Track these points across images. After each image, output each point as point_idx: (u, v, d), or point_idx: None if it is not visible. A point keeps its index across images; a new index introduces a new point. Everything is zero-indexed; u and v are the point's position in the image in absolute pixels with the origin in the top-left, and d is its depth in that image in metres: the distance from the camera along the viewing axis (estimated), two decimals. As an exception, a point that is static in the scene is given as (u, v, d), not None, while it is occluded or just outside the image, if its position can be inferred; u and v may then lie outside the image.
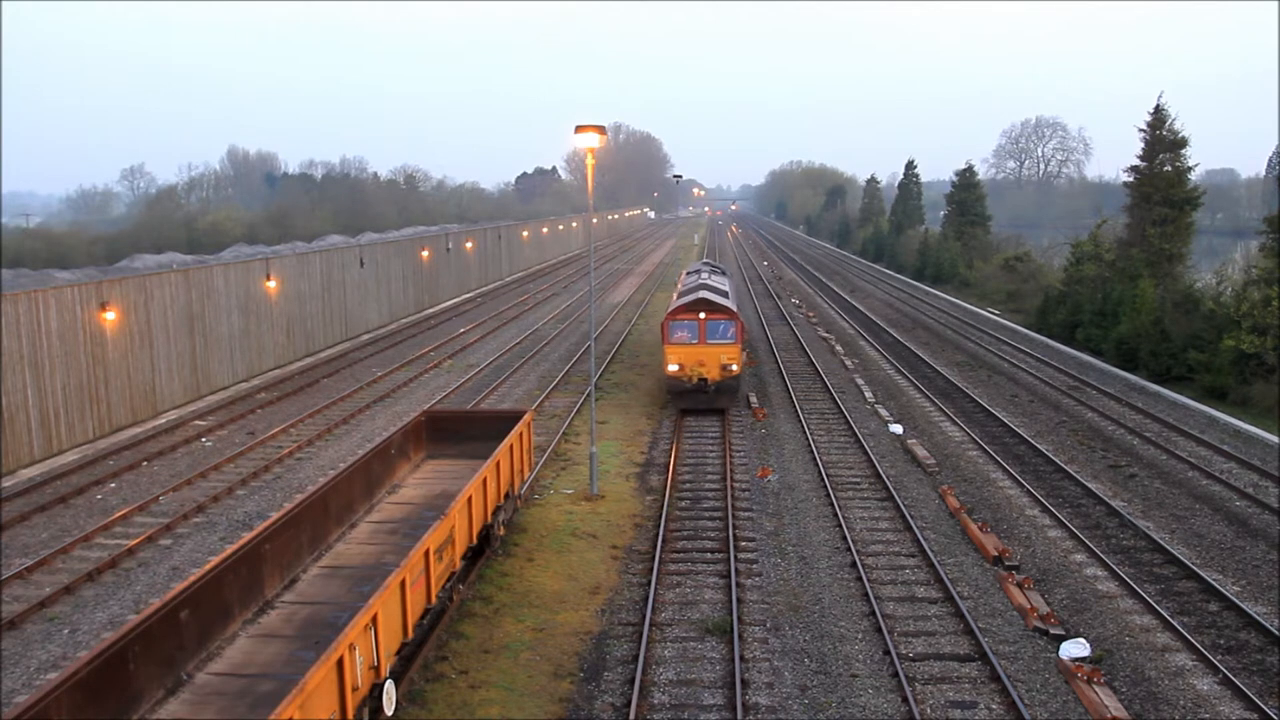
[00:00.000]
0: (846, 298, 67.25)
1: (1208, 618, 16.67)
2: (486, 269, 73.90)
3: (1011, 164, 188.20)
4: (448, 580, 15.64)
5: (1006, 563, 18.91)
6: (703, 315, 30.13)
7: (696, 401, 30.22)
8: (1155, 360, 37.30)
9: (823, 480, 23.93)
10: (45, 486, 23.56)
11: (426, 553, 14.07)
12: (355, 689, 11.12)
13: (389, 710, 12.22)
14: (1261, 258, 36.66)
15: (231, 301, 35.70)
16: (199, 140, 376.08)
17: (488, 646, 15.47)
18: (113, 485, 23.79)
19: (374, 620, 11.78)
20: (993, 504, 22.55)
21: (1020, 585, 17.71)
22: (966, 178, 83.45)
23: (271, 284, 38.59)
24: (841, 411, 31.27)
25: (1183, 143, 44.84)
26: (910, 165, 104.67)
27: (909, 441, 27.54)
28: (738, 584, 17.72)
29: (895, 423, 29.97)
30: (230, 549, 13.37)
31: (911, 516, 21.30)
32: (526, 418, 21.23)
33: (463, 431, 21.73)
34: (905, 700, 13.82)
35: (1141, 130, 45.79)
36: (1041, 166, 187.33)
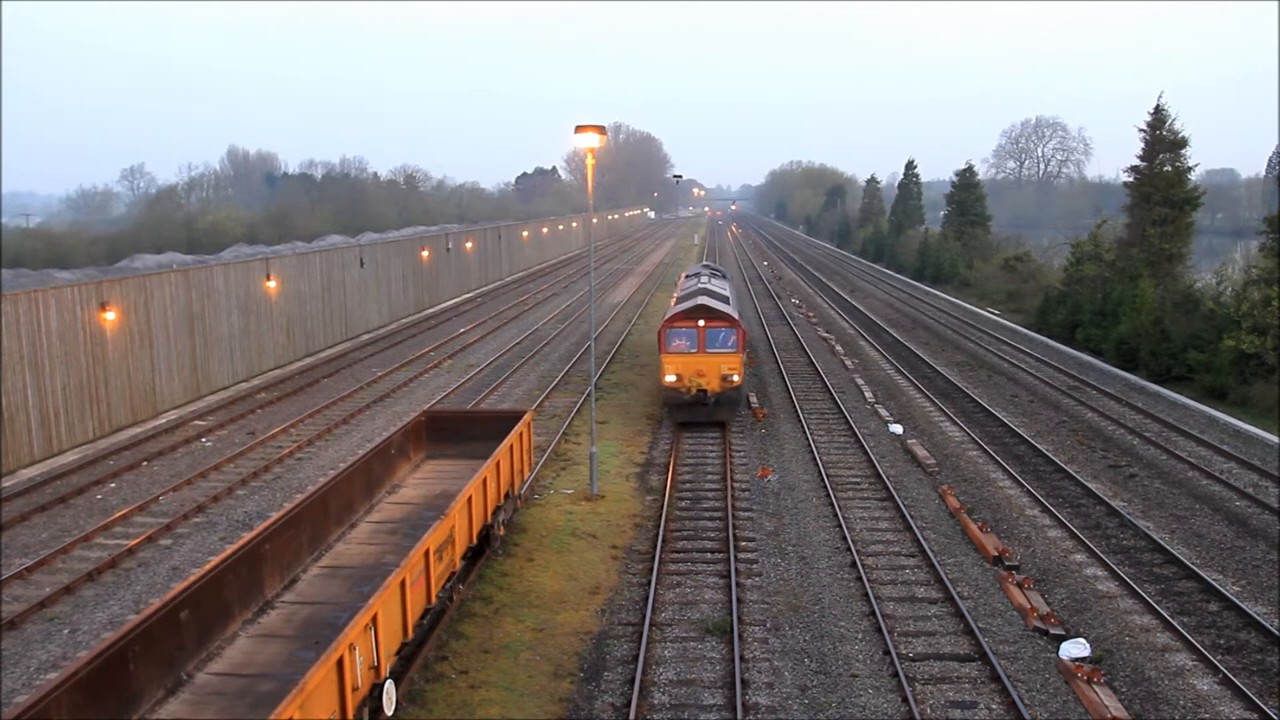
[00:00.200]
0: (846, 298, 67.25)
1: (1208, 618, 16.67)
2: (486, 269, 73.90)
3: (1011, 164, 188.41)
4: (448, 580, 15.64)
5: (1006, 563, 18.91)
6: (702, 322, 28.33)
7: (695, 414, 28.47)
8: (1155, 360, 37.30)
9: (823, 480, 23.92)
10: (45, 486, 23.56)
11: (426, 553, 14.08)
12: (355, 689, 11.12)
13: (389, 710, 12.22)
14: (1261, 258, 36.66)
15: (231, 301, 35.70)
16: (199, 140, 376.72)
17: (488, 646, 15.47)
18: (113, 485, 23.79)
19: (374, 620, 11.78)
20: (993, 504, 22.55)
21: (1020, 585, 17.71)
22: (966, 178, 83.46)
23: (271, 284, 38.59)
24: (841, 411, 31.27)
25: (1183, 143, 44.84)
26: (910, 165, 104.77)
27: (909, 441, 27.54)
28: (738, 584, 17.72)
29: (895, 423, 29.97)
30: (230, 549, 13.37)
31: (911, 516, 21.30)
32: (526, 418, 21.23)
33: (463, 431, 21.73)
34: (905, 700, 13.82)
35: (1141, 130, 45.81)
36: (1041, 166, 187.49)
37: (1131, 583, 17.68)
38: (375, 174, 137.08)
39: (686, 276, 42.26)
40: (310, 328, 42.41)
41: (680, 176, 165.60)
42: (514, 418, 21.24)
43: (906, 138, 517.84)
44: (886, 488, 23.28)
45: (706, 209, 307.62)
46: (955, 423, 30.05)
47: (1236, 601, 16.88)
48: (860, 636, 15.94)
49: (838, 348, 44.41)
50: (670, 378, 28.27)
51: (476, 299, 64.66)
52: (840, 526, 20.73)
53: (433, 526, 14.70)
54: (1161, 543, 19.71)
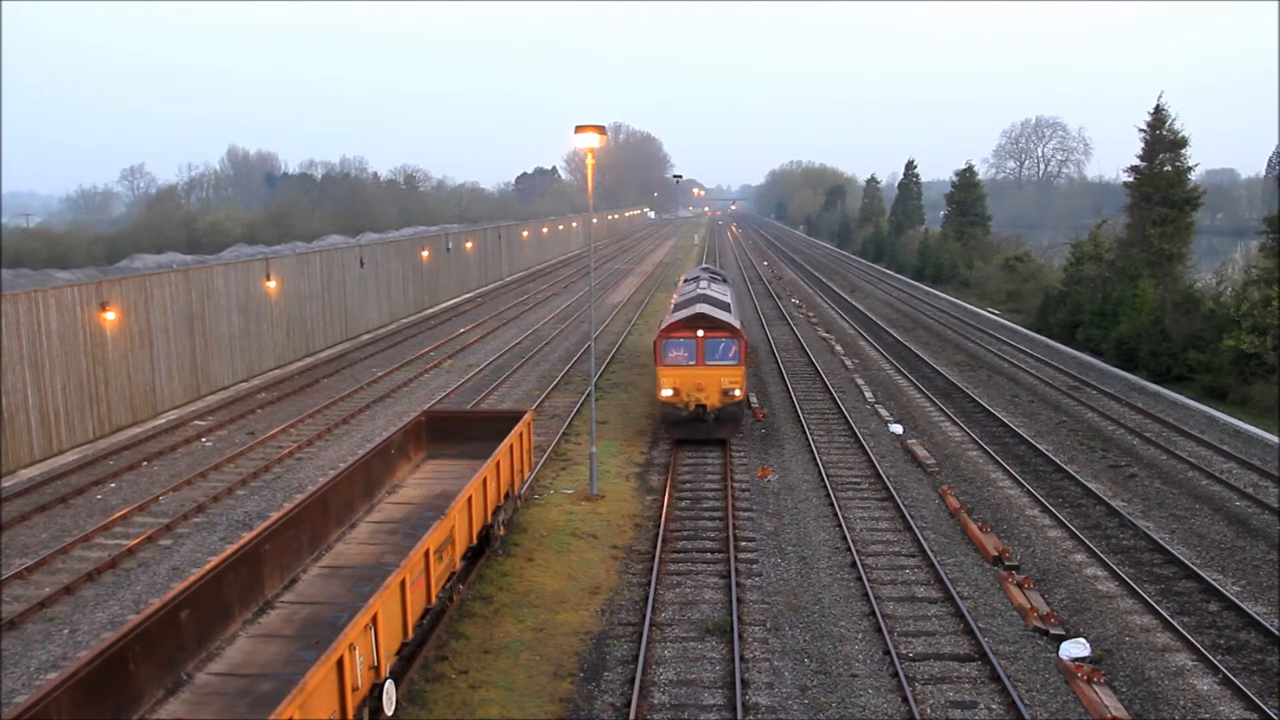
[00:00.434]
0: (846, 298, 67.26)
1: (1208, 618, 16.67)
2: (486, 269, 73.90)
3: (1011, 164, 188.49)
4: (448, 580, 15.64)
5: (1006, 563, 18.92)
6: (701, 333, 26.21)
7: (693, 432, 26.38)
8: (1155, 360, 37.30)
9: (823, 480, 23.93)
10: (45, 486, 23.56)
11: (426, 553, 14.08)
12: (355, 689, 11.12)
13: (389, 710, 12.22)
14: (1261, 258, 36.68)
15: (231, 301, 35.70)
16: (199, 140, 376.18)
17: (488, 646, 15.48)
18: (113, 485, 23.79)
19: (374, 620, 11.78)
20: (993, 504, 22.55)
21: (1020, 585, 17.71)
22: (966, 178, 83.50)
23: (271, 284, 38.59)
24: (841, 411, 31.26)
25: (1183, 143, 44.85)
26: (910, 165, 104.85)
27: (909, 441, 27.54)
28: (738, 584, 17.72)
29: (895, 423, 29.97)
30: (230, 549, 13.37)
31: (911, 516, 21.30)
32: (526, 418, 21.23)
33: (463, 431, 21.73)
34: (905, 700, 13.82)
35: (1141, 130, 45.82)
36: (1041, 166, 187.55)
37: (1131, 583, 17.68)
38: (375, 174, 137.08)
39: (685, 280, 40.14)
40: (310, 328, 42.41)
41: (680, 176, 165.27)
42: (514, 418, 21.24)
43: (907, 138, 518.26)
44: (886, 488, 23.28)
45: (706, 209, 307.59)
46: (955, 423, 30.05)
47: (1236, 601, 16.88)
48: (860, 636, 15.93)
49: (838, 348, 44.41)
50: (667, 392, 26.24)
51: (476, 299, 64.67)
52: (840, 526, 20.73)
53: (433, 526, 14.70)
54: (1161, 543, 19.71)
